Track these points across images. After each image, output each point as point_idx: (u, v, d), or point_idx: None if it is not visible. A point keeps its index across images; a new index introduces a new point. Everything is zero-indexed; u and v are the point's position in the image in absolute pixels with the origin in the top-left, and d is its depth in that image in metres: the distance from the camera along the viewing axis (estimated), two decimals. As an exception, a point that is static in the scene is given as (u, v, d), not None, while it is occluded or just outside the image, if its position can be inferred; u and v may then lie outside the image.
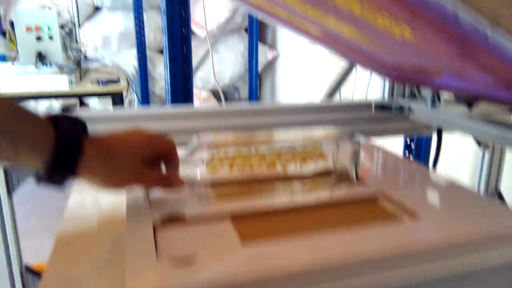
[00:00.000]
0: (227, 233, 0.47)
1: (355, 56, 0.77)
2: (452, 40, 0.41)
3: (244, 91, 3.39)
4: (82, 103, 2.85)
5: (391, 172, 0.68)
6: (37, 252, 2.08)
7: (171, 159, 0.53)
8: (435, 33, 0.40)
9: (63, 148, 0.42)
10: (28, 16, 1.91)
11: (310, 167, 0.70)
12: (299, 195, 0.57)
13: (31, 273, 0.87)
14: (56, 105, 2.59)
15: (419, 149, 1.21)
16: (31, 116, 0.42)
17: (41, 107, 2.74)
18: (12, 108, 0.41)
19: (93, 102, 2.83)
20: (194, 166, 0.55)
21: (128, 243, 0.45)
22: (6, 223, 0.79)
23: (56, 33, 1.95)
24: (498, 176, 1.06)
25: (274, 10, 0.64)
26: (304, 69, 2.57)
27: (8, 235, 0.80)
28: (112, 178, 0.47)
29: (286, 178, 0.64)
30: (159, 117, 0.83)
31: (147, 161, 0.50)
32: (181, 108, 0.86)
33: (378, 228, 0.47)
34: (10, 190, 0.78)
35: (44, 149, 0.41)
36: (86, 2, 2.83)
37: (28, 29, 1.91)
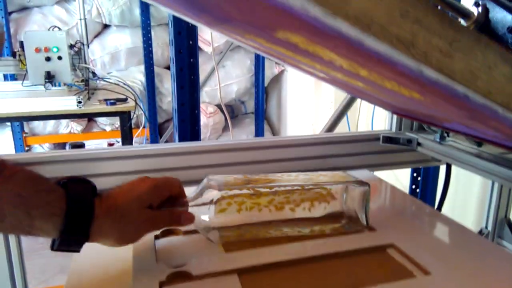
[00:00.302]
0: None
1: (362, 95, 0.77)
2: (462, 108, 0.40)
3: (251, 105, 3.40)
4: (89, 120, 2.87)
5: (401, 215, 0.67)
6: (44, 270, 2.10)
7: (179, 197, 0.54)
8: (445, 102, 0.40)
9: (75, 216, 0.44)
10: (38, 37, 1.94)
11: (320, 209, 0.69)
12: (307, 245, 0.56)
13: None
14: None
15: (426, 181, 1.19)
16: (44, 183, 0.44)
17: (49, 127, 2.76)
18: (27, 176, 0.43)
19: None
20: (203, 207, 0.55)
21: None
22: (13, 262, 0.79)
23: (65, 53, 1.97)
24: (508, 204, 1.04)
25: (278, 55, 0.64)
26: (310, 84, 2.56)
27: (15, 274, 0.80)
28: (125, 237, 0.49)
29: (295, 221, 0.63)
30: (164, 154, 0.83)
31: (156, 205, 0.51)
32: (186, 144, 0.86)
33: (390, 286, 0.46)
34: (17, 229, 0.78)
35: (58, 218, 0.43)
36: (95, 20, 2.86)
37: (38, 50, 1.93)
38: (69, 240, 0.45)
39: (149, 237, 0.58)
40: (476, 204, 1.37)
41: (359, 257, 0.54)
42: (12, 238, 0.76)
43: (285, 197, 0.59)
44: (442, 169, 1.15)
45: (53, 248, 0.45)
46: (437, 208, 0.94)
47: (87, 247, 0.59)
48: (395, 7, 0.28)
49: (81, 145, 2.02)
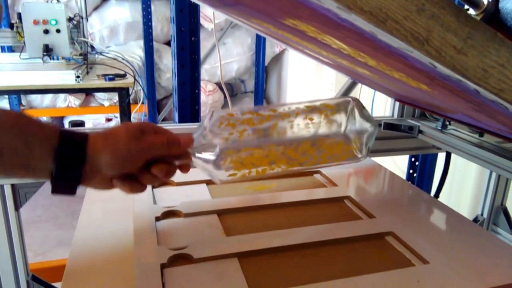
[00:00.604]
0: (235, 273, 0.48)
1: (365, 82, 0.76)
2: (470, 101, 0.40)
3: (250, 84, 3.37)
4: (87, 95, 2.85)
5: (400, 203, 0.68)
6: (43, 243, 2.12)
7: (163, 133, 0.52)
8: (453, 94, 0.39)
9: (70, 135, 0.45)
10: (36, 9, 1.89)
11: (320, 193, 0.69)
12: (307, 230, 0.57)
13: (38, 282, 0.88)
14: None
15: (424, 166, 1.20)
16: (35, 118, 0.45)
17: (47, 100, 2.73)
18: (19, 113, 0.45)
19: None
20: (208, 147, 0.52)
21: (136, 285, 0.45)
22: (13, 237, 0.80)
23: (64, 26, 1.94)
24: (504, 193, 1.05)
25: (283, 39, 0.63)
26: (312, 65, 2.54)
27: (15, 248, 0.81)
28: (123, 161, 0.47)
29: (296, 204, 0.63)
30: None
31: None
32: (187, 126, 0.86)
33: (388, 276, 0.47)
34: (17, 206, 0.78)
35: (54, 141, 0.44)
36: (94, -8, 2.80)
37: (36, 22, 1.89)
38: (67, 165, 0.45)
39: (150, 219, 0.59)
40: (471, 191, 1.38)
41: (359, 244, 0.55)
42: (11, 211, 0.77)
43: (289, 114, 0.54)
44: (440, 155, 1.16)
45: (52, 177, 0.45)
46: (434, 195, 0.95)
47: (87, 227, 0.60)
48: (412, 2, 0.28)
49: (81, 124, 2.01)
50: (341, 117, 0.54)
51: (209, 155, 0.50)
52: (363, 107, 0.54)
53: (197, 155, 0.51)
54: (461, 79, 0.32)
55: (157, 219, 0.60)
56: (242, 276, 0.47)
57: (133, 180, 0.49)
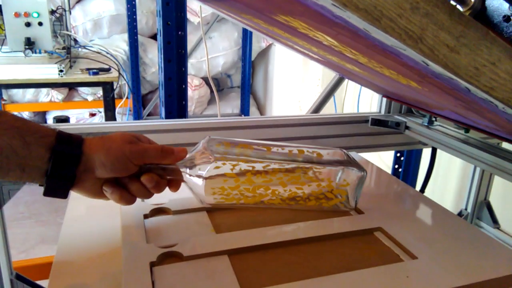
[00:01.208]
0: (225, 271, 0.47)
1: (354, 78, 0.76)
2: (459, 99, 0.40)
3: (237, 79, 3.36)
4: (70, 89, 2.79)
5: (387, 198, 0.68)
6: (25, 240, 2.09)
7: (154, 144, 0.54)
8: (443, 92, 0.40)
9: (66, 135, 0.46)
10: (17, 1, 1.85)
11: (312, 187, 0.70)
12: (297, 227, 0.57)
13: (22, 281, 0.86)
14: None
15: (409, 161, 1.21)
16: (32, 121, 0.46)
17: (29, 94, 2.67)
18: (16, 116, 0.45)
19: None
20: (197, 170, 0.54)
21: (125, 283, 0.44)
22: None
23: (46, 19, 1.90)
24: (488, 187, 1.07)
25: (273, 35, 0.62)
26: (298, 60, 2.54)
27: (-2, 246, 0.79)
28: (116, 166, 0.48)
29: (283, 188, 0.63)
30: (151, 131, 0.82)
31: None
32: (173, 122, 0.85)
33: (378, 272, 0.47)
34: (0, 203, 0.77)
35: (51, 138, 0.45)
36: (77, -16, 2.74)
37: (17, 14, 1.85)
38: (63, 164, 0.45)
39: (138, 216, 0.58)
40: (455, 186, 1.41)
41: (348, 240, 0.55)
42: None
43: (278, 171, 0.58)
44: (425, 150, 1.18)
45: (47, 176, 0.45)
46: (420, 190, 0.96)
47: (73, 224, 0.59)
48: (406, 0, 0.28)
49: (65, 119, 1.97)
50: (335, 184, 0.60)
51: (200, 173, 0.53)
52: (352, 162, 0.60)
53: (188, 171, 0.53)
54: (453, 77, 0.32)
55: (146, 216, 0.59)
56: (232, 274, 0.47)
57: (123, 189, 0.50)
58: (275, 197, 0.59)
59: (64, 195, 0.48)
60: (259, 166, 0.57)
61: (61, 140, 0.46)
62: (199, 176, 0.53)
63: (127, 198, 0.51)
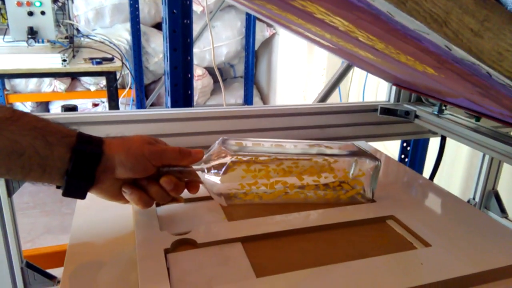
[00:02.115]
0: (239, 257, 0.48)
1: (364, 65, 0.76)
2: (478, 85, 0.40)
3: (240, 69, 3.35)
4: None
5: (398, 186, 0.68)
6: (31, 230, 2.10)
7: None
8: (461, 78, 0.39)
9: (87, 136, 0.47)
10: (19, -10, 1.83)
11: (328, 179, 0.70)
12: (310, 215, 0.57)
13: (32, 269, 0.87)
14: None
15: (416, 151, 1.21)
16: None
17: (32, 84, 2.67)
18: (36, 116, 0.46)
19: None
20: (214, 169, 0.54)
21: (140, 270, 0.45)
22: (6, 223, 0.79)
23: (49, 8, 1.88)
24: (496, 176, 1.07)
25: (284, 21, 0.62)
26: (303, 49, 2.53)
27: (8, 235, 0.80)
28: (136, 166, 0.49)
29: (301, 187, 0.63)
30: (156, 120, 0.82)
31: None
32: (179, 110, 0.85)
33: (392, 259, 0.47)
34: (10, 192, 0.77)
35: (72, 138, 0.46)
36: (79, -28, 2.72)
37: (19, 4, 1.83)
38: (83, 164, 0.46)
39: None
40: (462, 176, 1.40)
41: (360, 228, 0.55)
42: (4, 197, 0.75)
43: (294, 164, 0.58)
44: (431, 140, 1.17)
45: (67, 176, 0.46)
46: (428, 179, 0.96)
47: (85, 213, 0.59)
48: (432, -19, 0.27)
49: (73, 108, 1.97)
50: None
51: (217, 172, 0.54)
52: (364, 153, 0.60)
53: (206, 171, 0.54)
54: (476, 62, 0.32)
55: (157, 204, 0.59)
56: (246, 260, 0.47)
57: (142, 191, 0.50)
58: (293, 192, 0.59)
59: (83, 195, 0.48)
60: (275, 163, 0.57)
61: (81, 140, 0.46)
62: (216, 175, 0.54)
63: (146, 200, 0.51)
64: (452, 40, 0.30)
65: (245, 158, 0.55)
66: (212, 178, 0.54)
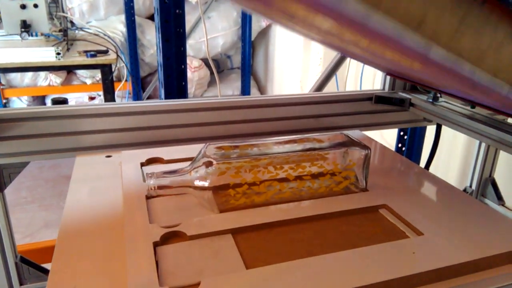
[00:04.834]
0: (229, 249, 0.47)
1: (356, 57, 0.74)
2: (465, 81, 0.39)
3: (237, 60, 3.32)
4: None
5: (392, 175, 0.67)
6: (29, 224, 2.10)
7: None
8: (448, 75, 0.38)
9: None
10: (11, -18, 1.81)
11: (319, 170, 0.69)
12: (301, 205, 0.56)
13: (26, 263, 0.87)
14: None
15: (413, 139, 1.20)
16: None
17: (27, 79, 2.65)
18: None
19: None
20: (201, 171, 0.54)
21: (129, 263, 0.44)
22: (-1, 218, 0.78)
23: (41, 1, 1.86)
24: (493, 164, 1.06)
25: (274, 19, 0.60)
26: (299, 39, 2.50)
27: (1, 230, 0.79)
28: None
29: (290, 180, 0.63)
30: (150, 112, 0.81)
31: None
32: (173, 102, 0.84)
33: (383, 248, 0.47)
34: (1, 187, 0.76)
35: None
36: (71, -36, 2.68)
37: (11, -4, 1.81)
38: None
39: (140, 197, 0.57)
40: (459, 163, 1.40)
41: (352, 217, 0.55)
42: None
43: (284, 161, 0.58)
44: (429, 128, 1.16)
45: None
46: (424, 167, 0.95)
47: (75, 206, 0.58)
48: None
49: (64, 101, 1.95)
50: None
51: (204, 179, 0.54)
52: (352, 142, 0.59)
53: (194, 181, 0.54)
54: (456, 61, 0.31)
55: (147, 197, 0.58)
56: (237, 252, 0.47)
57: None
58: (285, 190, 0.58)
59: None
60: (263, 163, 0.56)
61: None
62: (204, 184, 0.53)
63: None
64: (430, 40, 0.29)
65: (231, 163, 0.54)
66: (200, 188, 0.54)
